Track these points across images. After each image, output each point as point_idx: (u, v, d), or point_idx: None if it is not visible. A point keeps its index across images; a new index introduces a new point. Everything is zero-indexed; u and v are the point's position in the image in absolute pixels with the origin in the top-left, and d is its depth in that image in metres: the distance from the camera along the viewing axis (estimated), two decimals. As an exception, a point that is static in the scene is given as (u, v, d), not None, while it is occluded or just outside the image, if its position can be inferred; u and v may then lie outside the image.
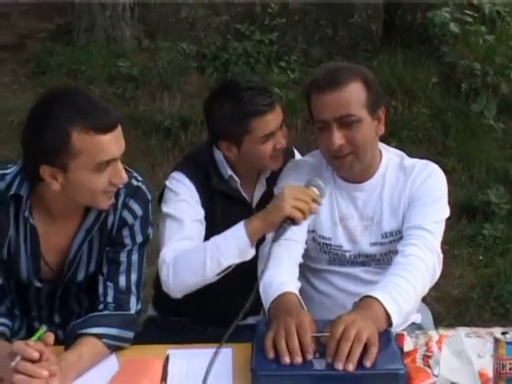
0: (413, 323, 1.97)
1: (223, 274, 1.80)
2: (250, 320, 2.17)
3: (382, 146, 1.93)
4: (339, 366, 1.39)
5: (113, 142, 1.58)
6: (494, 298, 3.39)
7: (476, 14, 4.38)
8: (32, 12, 5.31)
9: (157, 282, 2.08)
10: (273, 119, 1.91)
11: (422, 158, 1.97)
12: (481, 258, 3.64)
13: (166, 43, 4.89)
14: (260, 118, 1.89)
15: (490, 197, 3.82)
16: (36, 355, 1.44)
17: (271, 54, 4.91)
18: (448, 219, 1.88)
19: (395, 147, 2.04)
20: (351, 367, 1.39)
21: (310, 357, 1.43)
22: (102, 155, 1.57)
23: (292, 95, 4.58)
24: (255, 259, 1.83)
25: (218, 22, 5.08)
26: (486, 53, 4.55)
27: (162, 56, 4.77)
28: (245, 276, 1.81)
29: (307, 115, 1.91)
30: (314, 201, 1.74)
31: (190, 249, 1.84)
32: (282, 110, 1.99)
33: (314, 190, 1.76)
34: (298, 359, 1.41)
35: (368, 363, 1.40)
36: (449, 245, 3.54)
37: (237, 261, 1.79)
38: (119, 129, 1.60)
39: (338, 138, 1.76)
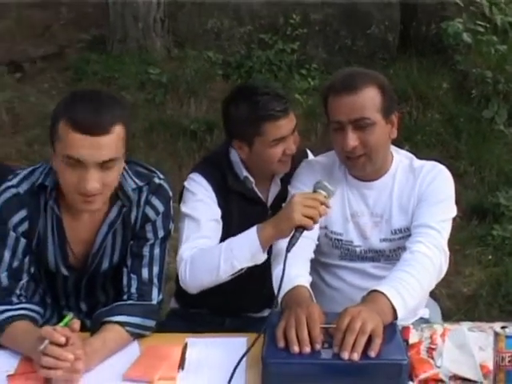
0: (421, 318, 1.95)
1: (236, 275, 1.79)
2: (266, 312, 2.17)
3: (393, 148, 1.92)
4: (345, 355, 1.39)
5: (85, 146, 1.53)
6: (502, 296, 3.33)
7: (488, 25, 4.33)
8: (70, 24, 5.38)
9: (178, 277, 2.10)
10: (285, 125, 1.91)
11: (432, 159, 1.94)
12: (490, 257, 3.58)
13: (193, 52, 4.92)
14: (273, 123, 1.89)
15: (500, 199, 3.76)
16: (62, 340, 1.46)
17: (293, 62, 4.90)
18: (459, 220, 1.86)
19: (408, 151, 2.02)
20: (356, 357, 1.38)
21: (318, 347, 1.42)
22: (70, 151, 1.54)
23: (312, 101, 4.56)
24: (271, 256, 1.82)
25: (242, 32, 5.08)
26: (498, 62, 4.48)
27: (190, 64, 4.79)
28: (259, 271, 1.82)
29: (327, 120, 1.90)
30: (323, 203, 1.70)
31: (206, 249, 1.84)
32: (296, 116, 1.98)
33: (322, 192, 1.71)
34: (307, 349, 1.41)
35: (372, 353, 1.40)
36: (460, 245, 3.50)
37: (249, 264, 1.78)
38: (103, 139, 1.53)
39: (352, 139, 1.75)
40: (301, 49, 4.97)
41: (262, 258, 1.77)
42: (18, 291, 1.69)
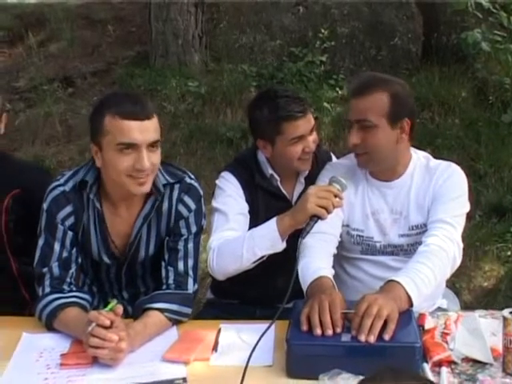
0: (439, 308, 1.96)
1: (258, 262, 1.84)
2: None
3: (412, 149, 1.93)
4: (362, 337, 1.42)
5: (136, 129, 1.63)
6: (520, 290, 3.30)
7: (505, 35, 4.27)
8: (116, 43, 5.50)
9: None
10: (303, 124, 1.95)
11: (453, 162, 1.95)
12: (509, 253, 3.53)
13: (229, 65, 4.97)
14: (291, 122, 1.94)
15: (518, 198, 3.71)
16: (107, 322, 1.52)
17: (321, 73, 4.91)
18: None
19: (431, 154, 2.02)
20: (372, 339, 1.41)
21: (338, 330, 1.45)
22: (123, 137, 1.63)
23: (340, 109, 4.57)
24: (293, 251, 1.85)
25: (274, 46, 5.12)
26: (516, 69, 4.43)
27: (226, 77, 4.85)
28: (286, 264, 1.85)
29: None
30: (337, 196, 1.73)
31: (232, 239, 1.89)
32: (314, 118, 2.03)
33: (336, 185, 1.75)
34: (329, 331, 1.44)
35: (387, 336, 1.43)
36: (480, 241, 3.46)
37: (269, 252, 1.83)
38: (148, 122, 1.65)
39: (354, 137, 1.80)
40: (329, 60, 4.98)
41: (280, 246, 1.82)
42: (68, 279, 1.76)
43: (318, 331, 1.45)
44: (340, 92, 4.83)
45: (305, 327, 1.48)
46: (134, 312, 1.75)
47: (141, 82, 4.82)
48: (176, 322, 1.74)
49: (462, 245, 1.78)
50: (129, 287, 1.93)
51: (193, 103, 4.67)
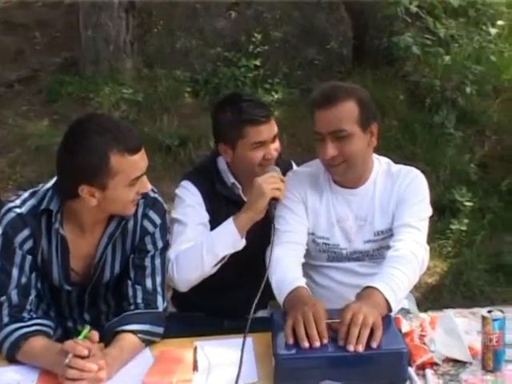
0: (402, 308, 2.01)
1: (220, 264, 1.85)
2: (260, 313, 2.20)
3: (374, 156, 1.97)
4: (351, 347, 1.43)
5: (142, 159, 1.62)
6: (464, 284, 3.45)
7: (435, 39, 4.47)
8: (41, 48, 5.30)
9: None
10: (265, 130, 1.95)
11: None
12: (449, 249, 3.70)
13: (162, 71, 4.91)
14: (254, 127, 1.93)
15: (455, 196, 3.89)
16: (86, 352, 1.46)
17: (257, 78, 4.94)
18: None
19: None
20: (361, 348, 1.42)
21: (325, 341, 1.45)
22: (136, 172, 1.61)
23: (277, 114, 4.61)
24: (260, 258, 1.85)
25: (207, 51, 5.11)
26: (444, 71, 4.64)
27: (160, 83, 4.78)
28: (253, 273, 1.84)
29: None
30: (282, 180, 1.86)
31: (189, 246, 1.87)
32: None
33: (274, 173, 1.89)
34: (317, 343, 1.44)
35: (374, 344, 1.44)
36: (422, 239, 3.60)
37: (230, 251, 1.84)
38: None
39: (331, 149, 1.80)
40: (263, 65, 5.02)
41: (241, 244, 1.85)
42: (28, 307, 1.68)
43: (306, 344, 1.45)
44: (276, 96, 4.88)
45: (291, 340, 1.47)
46: (104, 336, 1.68)
47: (71, 89, 4.67)
48: (149, 343, 1.69)
49: (428, 247, 1.84)
50: (91, 309, 1.87)
51: (128, 110, 4.57)
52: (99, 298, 1.86)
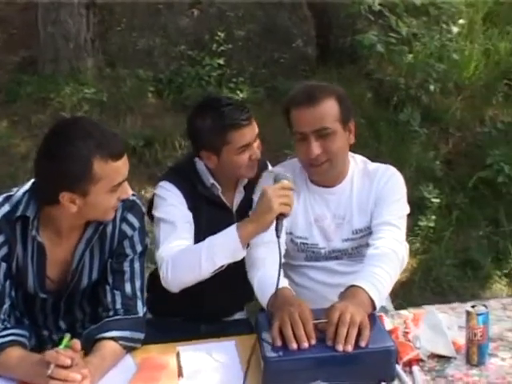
0: (381, 306, 2.03)
1: (217, 271, 1.81)
2: (237, 316, 2.20)
3: (349, 154, 1.98)
4: (339, 347, 1.43)
5: (124, 165, 1.59)
6: (433, 280, 3.53)
7: (399, 37, 4.54)
8: (-3, 47, 5.15)
9: (150, 284, 2.07)
10: (249, 132, 1.94)
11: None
12: (418, 246, 3.76)
13: (125, 71, 4.84)
14: (238, 131, 1.91)
15: (423, 193, 3.95)
16: (68, 362, 1.42)
17: (221, 77, 4.92)
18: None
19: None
20: (350, 348, 1.43)
21: (313, 342, 1.45)
22: (119, 178, 1.58)
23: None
24: (239, 262, 1.84)
25: (171, 50, 5.06)
26: (408, 69, 4.71)
27: (123, 82, 4.71)
28: (231, 276, 1.84)
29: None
30: (291, 189, 1.77)
31: (187, 249, 1.84)
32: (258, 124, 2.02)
33: (285, 181, 1.77)
34: (305, 344, 1.44)
35: (363, 343, 1.44)
36: (390, 236, 3.65)
37: (230, 261, 1.79)
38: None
39: (315, 148, 1.80)
40: (228, 64, 5.00)
41: (241, 254, 1.79)
42: (2, 316, 1.63)
43: (294, 345, 1.44)
44: (241, 95, 4.87)
45: (278, 342, 1.47)
46: (84, 343, 1.64)
47: (30, 89, 4.56)
48: (130, 350, 1.67)
49: (407, 245, 1.87)
50: (66, 317, 1.82)
51: (90, 111, 4.48)
52: (75, 305, 1.82)
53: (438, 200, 3.96)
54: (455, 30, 4.94)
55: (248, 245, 1.81)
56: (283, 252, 1.90)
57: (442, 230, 3.82)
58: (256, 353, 1.51)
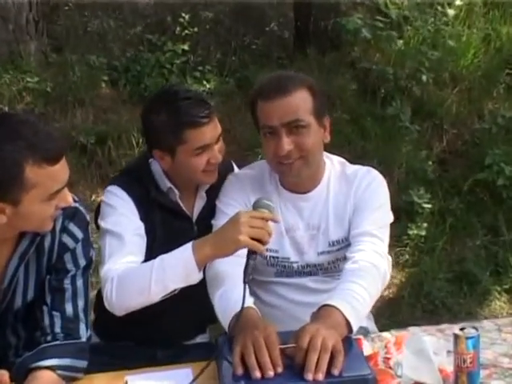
0: (361, 327, 2.04)
1: (167, 296, 1.79)
2: (199, 339, 2.19)
3: (324, 154, 1.98)
4: (309, 376, 1.42)
5: (63, 170, 1.57)
6: (424, 296, 3.56)
7: (386, 20, 4.58)
8: None
9: (97, 304, 2.06)
10: (209, 131, 1.92)
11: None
12: (407, 257, 3.79)
13: (74, 56, 4.81)
14: (195, 129, 1.90)
15: (413, 197, 3.98)
16: (-5, 396, 1.41)
17: (185, 65, 4.92)
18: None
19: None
20: (321, 376, 1.42)
21: (279, 370, 1.45)
22: (56, 185, 1.56)
23: (210, 105, 4.60)
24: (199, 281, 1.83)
25: (127, 33, 5.05)
26: (397, 57, 4.76)
27: (71, 70, 4.68)
28: (190, 297, 1.83)
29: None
30: (273, 220, 1.72)
31: (135, 268, 1.82)
32: (220, 123, 2.01)
33: (265, 211, 1.70)
34: (271, 373, 1.43)
35: (336, 371, 1.44)
36: (376, 247, 3.68)
37: (183, 285, 1.77)
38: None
39: (286, 143, 1.80)
40: (193, 50, 5.01)
41: (197, 278, 1.76)
42: None
43: (258, 374, 1.44)
44: (208, 86, 4.87)
45: (240, 370, 1.46)
46: (16, 373, 1.62)
47: (-38, 78, 4.50)
48: (70, 380, 1.65)
49: (390, 258, 1.88)
50: None
51: (33, 103, 4.47)
52: (7, 329, 1.80)
53: (429, 205, 4.00)
54: (451, 12, 5.00)
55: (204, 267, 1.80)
56: (251, 267, 1.91)
57: (435, 239, 3.86)
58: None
